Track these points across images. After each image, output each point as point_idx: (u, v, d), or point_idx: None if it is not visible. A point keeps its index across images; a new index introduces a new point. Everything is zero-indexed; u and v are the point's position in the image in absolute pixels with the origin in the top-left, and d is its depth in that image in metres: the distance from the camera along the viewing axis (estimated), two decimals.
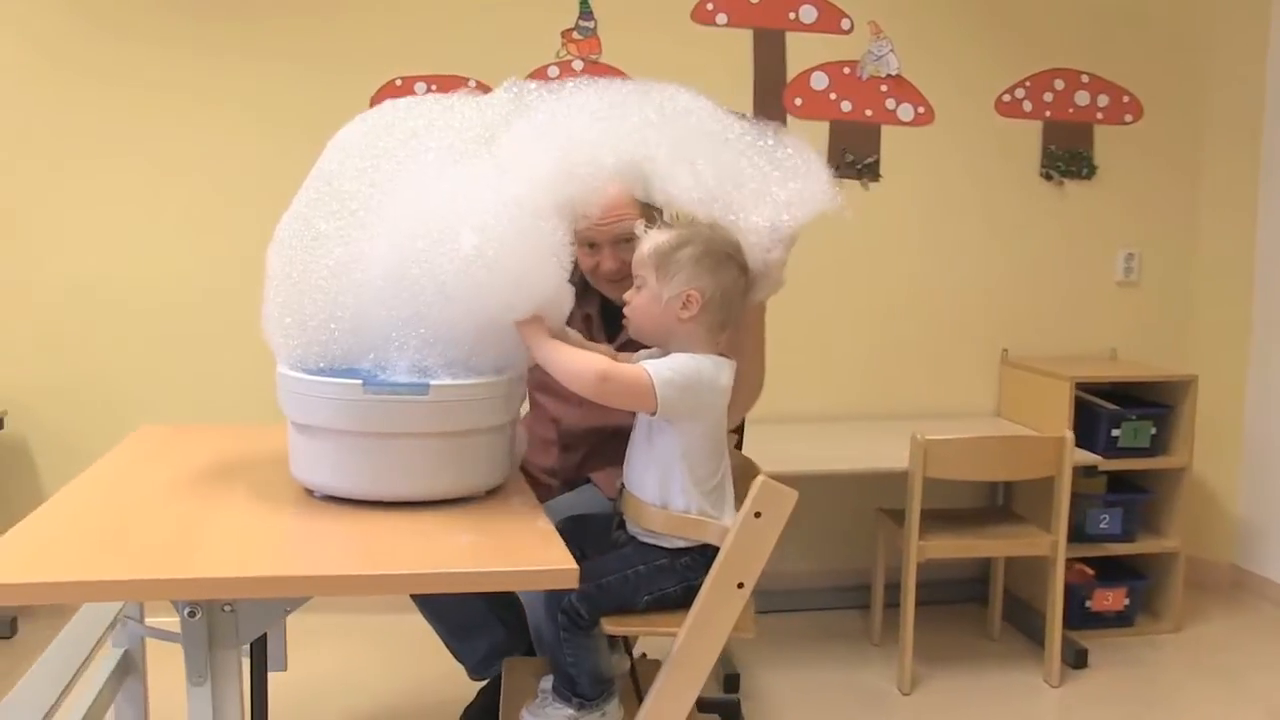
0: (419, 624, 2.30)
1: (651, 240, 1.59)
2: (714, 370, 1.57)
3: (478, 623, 2.28)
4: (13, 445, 2.98)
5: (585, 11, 3.16)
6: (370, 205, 1.61)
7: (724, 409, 1.61)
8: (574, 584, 1.29)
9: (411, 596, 2.31)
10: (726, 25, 3.21)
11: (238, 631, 1.37)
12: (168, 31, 2.98)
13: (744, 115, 1.79)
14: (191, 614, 1.35)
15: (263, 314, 1.64)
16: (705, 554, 1.57)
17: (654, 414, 1.54)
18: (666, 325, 1.58)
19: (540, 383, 2.30)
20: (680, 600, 1.57)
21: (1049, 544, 2.76)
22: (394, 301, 1.52)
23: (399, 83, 3.08)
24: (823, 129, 3.28)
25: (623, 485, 1.67)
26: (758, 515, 1.50)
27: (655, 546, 1.61)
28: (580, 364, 1.52)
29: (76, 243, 3.00)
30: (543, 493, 2.26)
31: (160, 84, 2.99)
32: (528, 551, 1.36)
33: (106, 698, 1.86)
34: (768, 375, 3.04)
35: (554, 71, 3.16)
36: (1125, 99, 3.41)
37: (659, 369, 1.53)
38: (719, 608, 1.51)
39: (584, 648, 1.58)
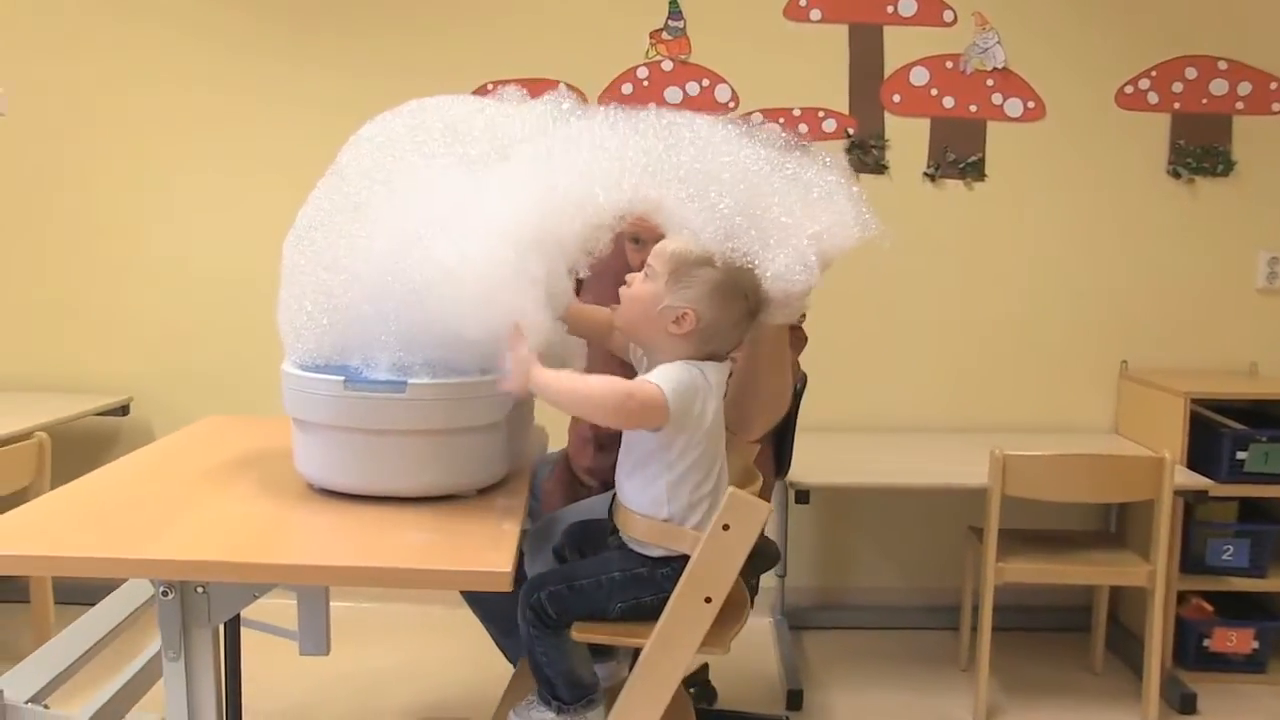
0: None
1: (679, 242, 1.55)
2: (704, 382, 1.51)
3: None
4: (138, 430, 3.23)
5: (674, 11, 3.14)
6: (372, 202, 1.65)
7: (713, 414, 1.55)
8: (505, 587, 1.28)
9: (462, 594, 2.37)
10: (820, 21, 3.11)
11: (210, 612, 1.44)
12: (281, 46, 3.16)
13: (771, 131, 1.68)
14: (165, 593, 1.42)
15: (278, 304, 1.71)
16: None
17: (658, 429, 1.47)
18: (652, 330, 1.52)
19: None
20: (655, 611, 1.52)
21: (1146, 574, 2.53)
22: (378, 298, 1.55)
23: (490, 87, 3.12)
24: (923, 126, 3.13)
25: (614, 492, 1.65)
26: (726, 528, 1.45)
27: (638, 554, 1.58)
28: (601, 388, 1.44)
29: (198, 241, 3.22)
30: (583, 492, 2.27)
31: (273, 94, 3.17)
32: (469, 552, 1.36)
33: (155, 671, 1.98)
34: (866, 383, 2.95)
35: (643, 73, 3.15)
36: (1272, 86, 3.09)
37: (666, 380, 1.46)
38: (685, 622, 1.47)
39: (556, 649, 1.56)
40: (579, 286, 2.06)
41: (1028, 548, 2.64)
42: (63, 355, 3.25)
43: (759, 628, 3.14)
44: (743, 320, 1.54)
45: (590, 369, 2.13)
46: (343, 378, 1.54)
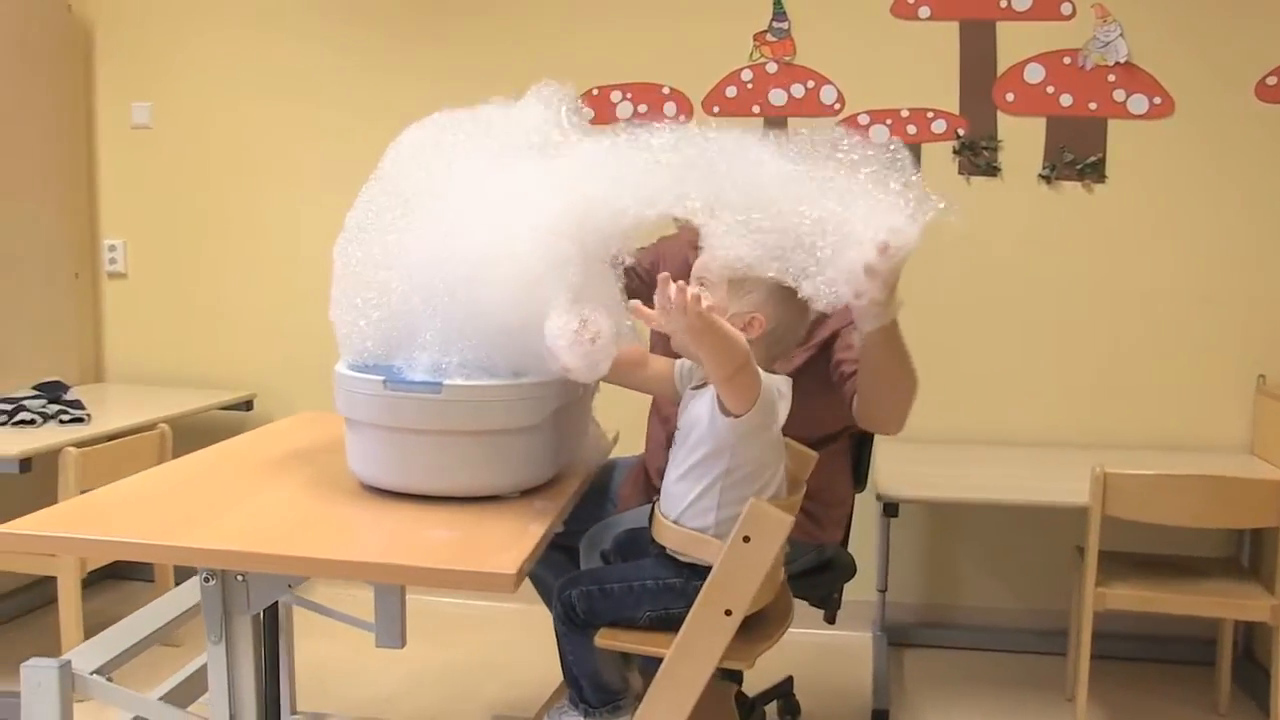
0: None
1: (726, 251, 1.53)
2: (775, 394, 1.49)
3: None
4: (260, 425, 3.41)
5: (779, 13, 3.09)
6: (420, 198, 1.70)
7: (777, 428, 1.52)
8: (508, 589, 1.29)
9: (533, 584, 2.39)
10: (930, 19, 3.00)
11: (249, 599, 1.51)
12: (399, 59, 3.28)
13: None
14: (207, 580, 1.50)
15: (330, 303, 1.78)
16: None
17: (739, 415, 1.44)
18: None
19: None
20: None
21: (1268, 608, 2.33)
22: (419, 297, 1.60)
23: (595, 92, 3.18)
24: (1038, 125, 2.98)
25: (655, 499, 1.64)
26: (747, 540, 1.41)
27: (673, 565, 1.56)
28: (739, 343, 1.39)
29: (324, 244, 3.38)
30: (656, 497, 2.26)
31: (387, 107, 3.29)
32: (483, 553, 1.38)
33: None
34: (980, 395, 3.07)
35: (747, 75, 3.12)
36: None
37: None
38: (705, 634, 1.44)
39: (583, 648, 1.56)
40: (634, 281, 2.05)
41: (1136, 573, 2.47)
42: (195, 353, 3.48)
43: (858, 642, 3.05)
44: (802, 317, 1.52)
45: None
46: (383, 378, 1.59)
